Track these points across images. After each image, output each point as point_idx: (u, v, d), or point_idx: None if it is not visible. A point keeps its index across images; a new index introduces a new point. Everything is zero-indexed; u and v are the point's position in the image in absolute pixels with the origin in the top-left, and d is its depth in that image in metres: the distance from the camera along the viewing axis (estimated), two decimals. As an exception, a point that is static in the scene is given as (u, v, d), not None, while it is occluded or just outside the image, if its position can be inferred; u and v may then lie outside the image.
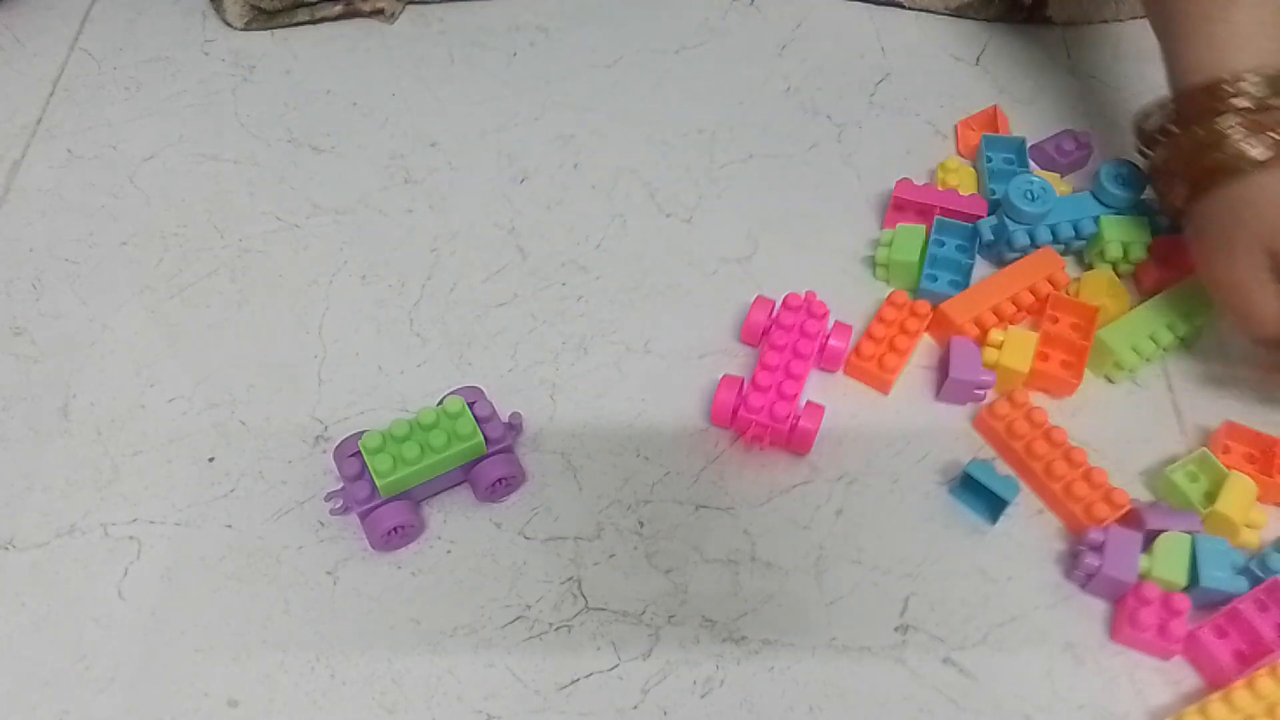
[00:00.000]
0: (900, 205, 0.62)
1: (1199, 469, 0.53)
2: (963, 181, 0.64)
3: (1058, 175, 0.65)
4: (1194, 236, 0.55)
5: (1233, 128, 0.52)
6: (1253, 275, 0.52)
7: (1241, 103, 0.52)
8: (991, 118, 0.68)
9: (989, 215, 0.61)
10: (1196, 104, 0.54)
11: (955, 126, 0.68)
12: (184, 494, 0.53)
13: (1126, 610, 0.49)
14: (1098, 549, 0.50)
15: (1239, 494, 0.51)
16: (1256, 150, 0.52)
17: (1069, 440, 0.54)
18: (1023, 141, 0.65)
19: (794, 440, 0.54)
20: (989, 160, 0.65)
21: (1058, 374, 0.56)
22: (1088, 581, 0.50)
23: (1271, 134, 0.52)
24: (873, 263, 0.62)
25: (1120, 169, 0.61)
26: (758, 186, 0.66)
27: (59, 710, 0.48)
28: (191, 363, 0.58)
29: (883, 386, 0.57)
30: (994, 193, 0.63)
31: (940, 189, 0.63)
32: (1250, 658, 0.48)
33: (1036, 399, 0.57)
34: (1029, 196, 0.59)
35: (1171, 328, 0.57)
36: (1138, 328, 0.57)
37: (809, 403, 0.54)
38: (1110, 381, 0.58)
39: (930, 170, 0.67)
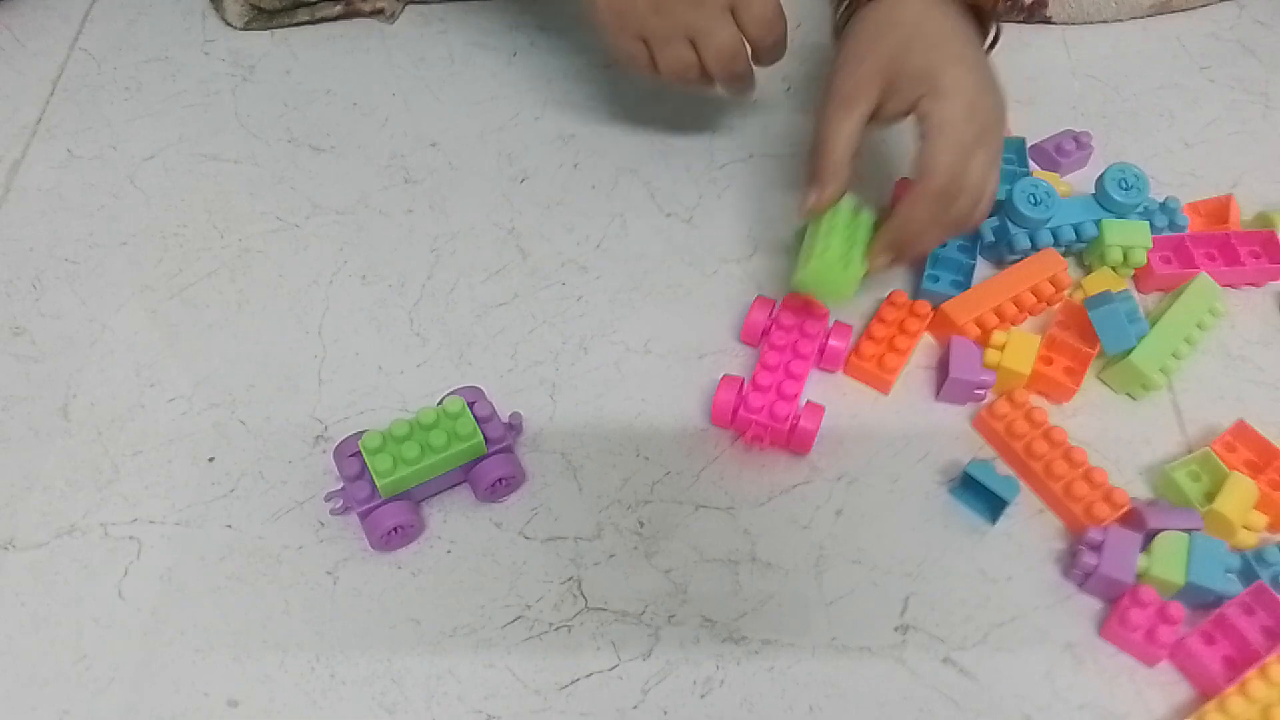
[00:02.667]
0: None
1: (1201, 468, 0.53)
2: None
3: (1057, 175, 0.65)
4: (836, 54, 0.56)
5: None
6: (857, 90, 0.52)
7: None
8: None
9: (990, 216, 0.61)
10: None
11: None
12: (184, 494, 0.53)
13: (1119, 609, 0.49)
14: (1096, 548, 0.50)
15: (1239, 495, 0.51)
16: None
17: (1069, 440, 0.54)
18: (1022, 141, 0.65)
19: (794, 440, 0.54)
20: None
21: (1059, 379, 0.56)
22: (1085, 580, 0.50)
23: None
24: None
25: (1123, 173, 0.61)
26: (758, 186, 0.66)
27: (59, 710, 0.48)
28: (191, 363, 0.58)
29: (883, 386, 0.57)
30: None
31: None
32: (1239, 663, 0.48)
33: (1036, 399, 0.57)
34: (1032, 200, 0.59)
35: (1189, 339, 0.57)
36: (1162, 347, 0.56)
37: (809, 403, 0.54)
38: (1131, 398, 0.57)
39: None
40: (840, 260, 0.52)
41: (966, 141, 0.50)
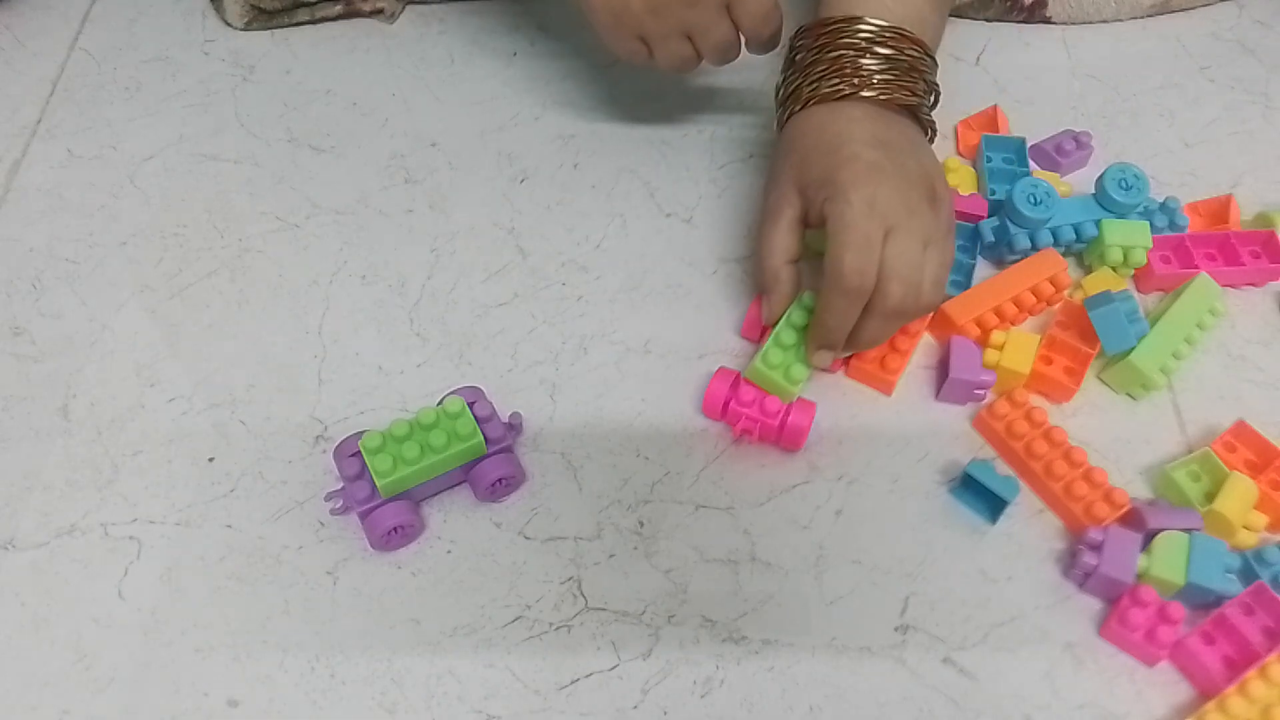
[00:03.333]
0: None
1: (1201, 468, 0.53)
2: (963, 181, 0.64)
3: (1057, 175, 0.65)
4: (771, 165, 0.59)
5: (834, 59, 0.55)
6: (781, 202, 0.55)
7: (852, 40, 0.55)
8: (991, 118, 0.68)
9: (989, 216, 0.61)
10: (822, 33, 0.56)
11: (955, 126, 0.68)
12: (184, 494, 0.53)
13: (1119, 609, 0.49)
14: (1096, 548, 0.50)
15: (1239, 495, 0.51)
16: (829, 85, 0.55)
17: (1069, 440, 0.54)
18: (1022, 141, 0.65)
19: (785, 436, 0.54)
20: (989, 160, 0.65)
21: (1059, 379, 0.56)
22: (1085, 580, 0.50)
23: (855, 76, 0.55)
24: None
25: (1124, 173, 0.60)
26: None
27: (59, 710, 0.48)
28: (191, 363, 0.58)
29: (885, 387, 0.57)
30: (994, 193, 0.63)
31: None
32: (1239, 663, 0.48)
33: (1036, 399, 0.57)
34: (1033, 201, 0.59)
35: (1189, 339, 0.57)
36: (1162, 347, 0.56)
37: (800, 399, 0.54)
38: (1131, 398, 0.57)
39: (930, 170, 0.67)
40: (778, 366, 0.53)
41: (870, 235, 0.50)
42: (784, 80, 0.58)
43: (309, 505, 0.53)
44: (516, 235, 0.64)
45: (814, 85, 0.55)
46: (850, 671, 0.49)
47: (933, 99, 0.58)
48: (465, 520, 0.53)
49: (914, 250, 0.51)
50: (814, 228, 0.54)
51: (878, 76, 0.55)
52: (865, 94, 0.54)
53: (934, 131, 0.59)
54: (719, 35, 0.58)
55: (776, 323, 0.55)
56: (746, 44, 0.60)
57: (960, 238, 0.61)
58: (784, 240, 0.54)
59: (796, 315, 0.55)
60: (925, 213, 0.52)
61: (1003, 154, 0.65)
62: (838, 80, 0.55)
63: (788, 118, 0.57)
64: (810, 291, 0.55)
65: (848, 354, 0.56)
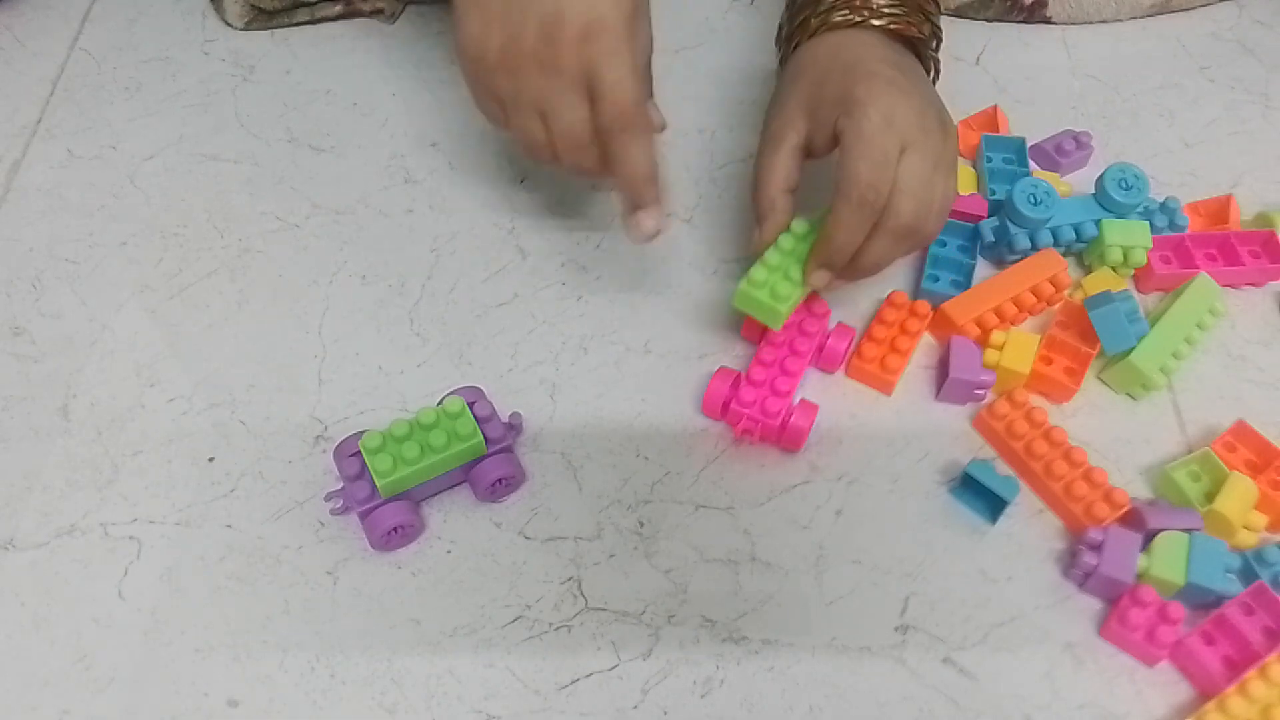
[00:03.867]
0: None
1: (1201, 468, 0.53)
2: (962, 181, 0.64)
3: (1057, 175, 0.65)
4: (776, 92, 0.56)
5: None
6: (785, 127, 0.53)
7: None
8: (991, 118, 0.68)
9: (989, 216, 0.61)
10: None
11: (955, 126, 0.68)
12: (184, 494, 0.53)
13: (1119, 609, 0.49)
14: (1096, 548, 0.50)
15: (1239, 494, 0.51)
16: (840, 15, 0.54)
17: (1069, 440, 0.54)
18: (1022, 141, 0.65)
19: (785, 437, 0.54)
20: (989, 160, 0.65)
21: (1059, 379, 0.56)
22: (1085, 580, 0.50)
23: (865, 8, 0.54)
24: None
25: (1123, 173, 0.60)
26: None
27: (59, 710, 0.48)
28: (191, 363, 0.58)
29: (885, 388, 0.57)
30: (994, 193, 0.63)
31: None
32: (1239, 664, 0.48)
33: (1036, 399, 0.57)
34: (1033, 200, 0.59)
35: (1189, 339, 0.57)
36: (1162, 347, 0.56)
37: (802, 400, 0.54)
38: (1131, 398, 0.57)
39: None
40: (764, 284, 0.53)
41: (887, 149, 0.49)
42: (789, 15, 0.57)
43: (309, 505, 0.53)
44: (516, 235, 0.64)
45: (823, 15, 0.55)
46: (850, 671, 0.49)
47: (935, 45, 0.58)
48: (465, 520, 0.53)
49: (927, 170, 0.50)
50: (816, 156, 0.54)
51: (886, 8, 0.54)
52: (875, 22, 0.54)
53: (937, 72, 0.58)
54: (569, 121, 0.50)
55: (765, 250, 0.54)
56: (603, 147, 0.52)
57: (960, 238, 0.61)
58: (784, 166, 0.53)
59: (785, 240, 0.54)
60: (939, 135, 0.51)
61: (1003, 154, 0.65)
62: (847, 10, 0.54)
63: (794, 49, 0.56)
64: (801, 218, 0.54)
65: (843, 280, 0.54)
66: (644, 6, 0.52)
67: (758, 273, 0.53)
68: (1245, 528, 0.51)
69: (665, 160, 0.66)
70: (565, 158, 0.53)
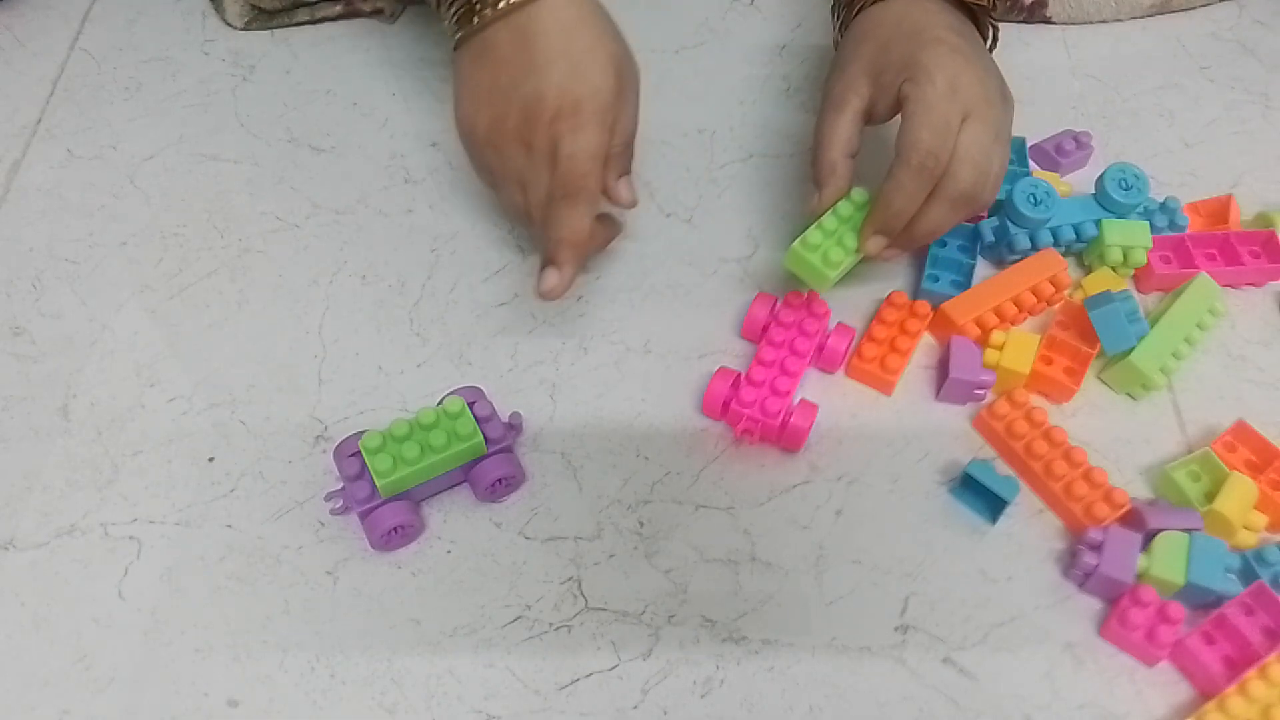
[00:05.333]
0: None
1: (1201, 468, 0.53)
2: None
3: (1057, 175, 0.65)
4: (838, 57, 0.57)
5: None
6: (847, 91, 0.54)
7: None
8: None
9: (990, 216, 0.61)
10: None
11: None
12: (184, 494, 0.53)
13: (1119, 609, 0.49)
14: (1096, 548, 0.50)
15: (1239, 494, 0.51)
16: None
17: (1069, 440, 0.54)
18: (1022, 141, 0.65)
19: (785, 437, 0.54)
20: None
21: (1059, 379, 0.56)
22: (1085, 580, 0.50)
23: None
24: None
25: (1123, 173, 0.60)
26: (758, 186, 0.66)
27: (59, 710, 0.48)
28: (191, 363, 0.58)
29: (885, 388, 0.57)
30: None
31: None
32: (1239, 663, 0.48)
33: (1036, 399, 0.57)
34: (1033, 200, 0.59)
35: (1189, 339, 0.57)
36: (1162, 347, 0.56)
37: (802, 400, 0.54)
38: (1131, 398, 0.57)
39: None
40: (817, 248, 0.53)
41: (949, 116, 0.50)
42: None
43: (309, 505, 0.53)
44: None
45: None
46: (850, 671, 0.49)
47: (995, 11, 0.58)
48: (465, 520, 0.53)
49: (988, 138, 0.51)
50: (876, 122, 0.54)
51: None
52: None
53: (995, 40, 0.58)
54: (542, 193, 0.53)
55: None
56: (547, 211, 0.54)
57: (960, 238, 0.61)
58: (846, 131, 0.54)
59: (843, 207, 0.54)
60: (1000, 105, 0.52)
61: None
62: None
63: (856, 13, 0.56)
64: (860, 187, 0.54)
65: (896, 250, 0.55)
66: (630, 91, 0.54)
67: (813, 235, 0.53)
68: (1245, 528, 0.51)
69: (666, 159, 0.67)
70: (540, 227, 0.55)
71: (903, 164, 0.51)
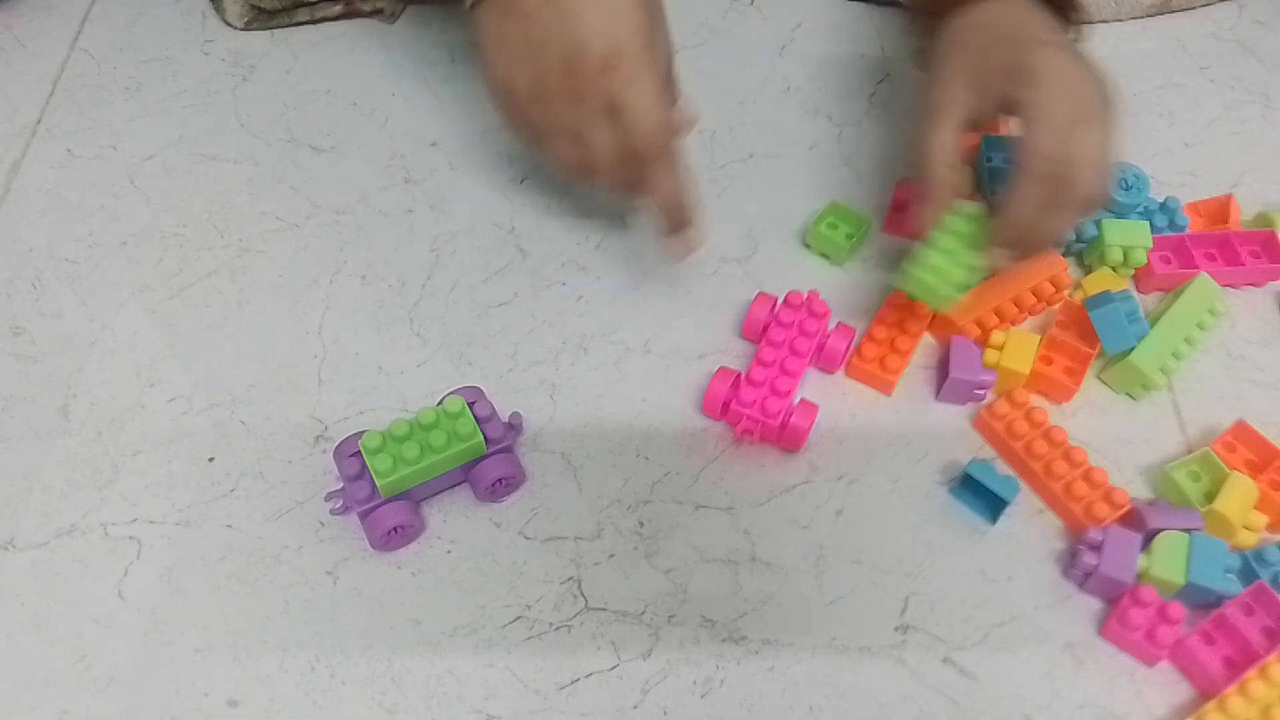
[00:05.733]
0: (901, 206, 0.62)
1: (1201, 468, 0.53)
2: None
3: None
4: (934, 66, 0.55)
5: None
6: (948, 102, 0.53)
7: None
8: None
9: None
10: None
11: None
12: (184, 494, 0.53)
13: (1119, 609, 0.49)
14: (1096, 548, 0.50)
15: (1239, 495, 0.51)
16: None
17: (1069, 440, 0.54)
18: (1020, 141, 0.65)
19: (785, 437, 0.54)
20: (989, 160, 0.65)
21: (1059, 379, 0.56)
22: (1085, 580, 0.50)
23: None
24: (862, 257, 0.63)
25: (1124, 173, 0.60)
26: (758, 186, 0.66)
27: (59, 710, 0.48)
28: (191, 363, 0.58)
29: (885, 388, 0.57)
30: (994, 193, 0.63)
31: None
32: (1239, 664, 0.48)
33: (1036, 399, 0.57)
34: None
35: (1189, 339, 0.57)
36: (1162, 347, 0.56)
37: (802, 400, 0.54)
38: (1131, 398, 0.57)
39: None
40: (936, 269, 0.52)
41: (1067, 122, 0.49)
42: None
43: (309, 505, 0.53)
44: (516, 235, 0.64)
45: None
46: (850, 671, 0.49)
47: (1080, 11, 0.57)
48: (465, 520, 0.53)
49: (1106, 141, 0.50)
50: (981, 129, 0.54)
51: None
52: None
53: (1079, 40, 0.56)
54: (601, 145, 0.52)
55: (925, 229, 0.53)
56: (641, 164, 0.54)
57: None
58: (950, 142, 0.53)
59: (957, 223, 0.53)
60: (1110, 105, 0.51)
61: (1003, 154, 0.65)
62: None
63: (948, 17, 0.55)
64: (968, 201, 0.53)
65: (1021, 258, 0.53)
66: (659, 20, 0.53)
67: (928, 256, 0.52)
68: (1245, 528, 0.51)
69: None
70: (605, 177, 0.54)
71: (1027, 173, 0.50)
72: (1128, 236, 0.60)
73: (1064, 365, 0.57)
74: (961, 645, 0.50)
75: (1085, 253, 0.62)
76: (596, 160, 0.53)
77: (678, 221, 0.56)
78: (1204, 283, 0.58)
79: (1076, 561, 0.50)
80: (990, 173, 0.64)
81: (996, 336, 0.57)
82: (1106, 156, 0.51)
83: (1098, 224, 0.60)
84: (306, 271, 0.62)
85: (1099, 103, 0.51)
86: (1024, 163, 0.50)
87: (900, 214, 0.63)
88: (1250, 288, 0.62)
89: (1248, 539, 0.51)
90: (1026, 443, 0.54)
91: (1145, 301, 0.61)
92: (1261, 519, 0.52)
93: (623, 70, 0.50)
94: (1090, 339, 0.57)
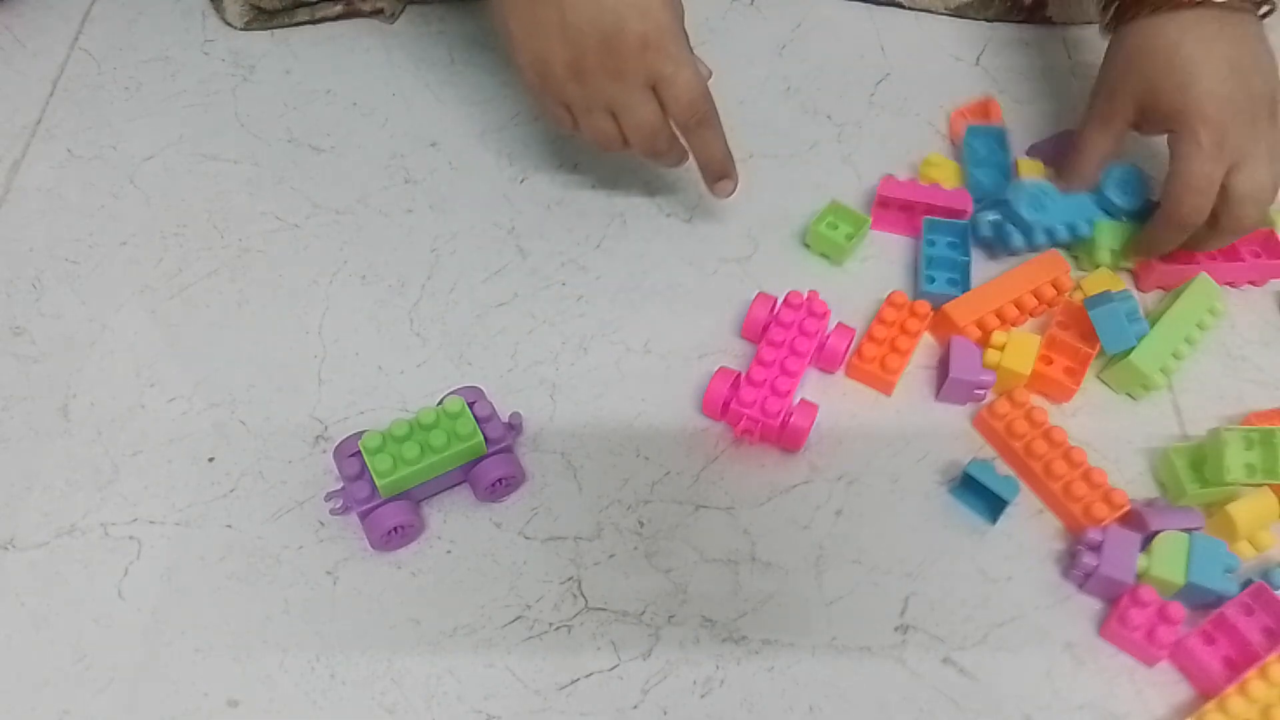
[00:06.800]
0: (884, 202, 0.63)
1: (1260, 438, 0.52)
2: (945, 176, 0.64)
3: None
4: (1101, 69, 0.60)
5: None
6: (1115, 113, 0.58)
7: None
8: (984, 106, 0.68)
9: (988, 211, 0.61)
10: None
11: (949, 114, 0.68)
12: (184, 494, 0.53)
13: (1119, 609, 0.49)
14: (1095, 549, 0.50)
15: (1258, 508, 0.51)
16: None
17: (1069, 440, 0.54)
18: (1003, 130, 0.65)
19: (785, 437, 0.54)
20: (973, 150, 0.65)
21: (1059, 379, 0.56)
22: (1085, 581, 0.50)
23: None
24: (861, 257, 0.63)
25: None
26: (758, 186, 0.66)
27: (59, 710, 0.48)
28: (191, 363, 0.58)
29: (885, 388, 0.57)
30: (980, 183, 0.63)
31: (924, 184, 0.63)
32: (1239, 664, 0.48)
33: (1037, 399, 0.57)
34: (1032, 201, 0.59)
35: (1189, 339, 0.57)
36: (1162, 347, 0.56)
37: (803, 400, 0.54)
38: (1131, 398, 0.57)
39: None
40: (1154, 356, 0.55)
41: (1213, 175, 0.54)
42: None
43: (309, 505, 0.53)
44: (516, 235, 0.64)
45: None
46: (850, 671, 0.49)
47: None
48: (465, 520, 0.53)
49: (1264, 174, 0.54)
50: (1144, 134, 0.59)
51: None
52: None
53: (1272, 8, 0.57)
54: (642, 116, 0.55)
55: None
56: (680, 133, 0.57)
57: (950, 235, 0.61)
58: (1107, 145, 0.59)
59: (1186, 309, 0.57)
60: (1270, 133, 0.54)
61: (985, 141, 0.65)
62: None
63: (1129, 20, 0.57)
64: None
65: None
66: None
67: (1154, 342, 0.56)
68: (1249, 541, 0.51)
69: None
70: (639, 146, 0.57)
71: (1165, 218, 0.56)
72: (1120, 239, 0.60)
73: (1064, 365, 0.57)
74: (961, 645, 0.50)
75: (1080, 253, 0.62)
76: (636, 131, 0.56)
77: (720, 173, 0.59)
78: (1204, 282, 0.58)
79: (1076, 562, 0.50)
80: (973, 161, 0.64)
81: (997, 337, 0.57)
82: (1265, 188, 0.54)
83: (1091, 224, 0.60)
84: (306, 271, 0.62)
85: (1253, 142, 0.54)
86: (1164, 207, 0.56)
87: (884, 210, 0.63)
88: (1250, 287, 0.62)
89: (1246, 550, 0.51)
90: (1026, 442, 0.54)
91: (1145, 300, 0.61)
92: (1271, 538, 0.51)
93: (662, 49, 0.53)
94: (1090, 339, 0.57)
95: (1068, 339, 0.57)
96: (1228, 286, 0.61)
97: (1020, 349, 0.56)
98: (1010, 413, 0.55)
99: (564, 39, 0.53)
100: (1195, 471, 0.52)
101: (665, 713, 0.48)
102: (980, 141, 0.65)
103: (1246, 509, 0.51)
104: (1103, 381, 0.58)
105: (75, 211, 0.64)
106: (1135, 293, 0.61)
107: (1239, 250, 0.61)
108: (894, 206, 0.63)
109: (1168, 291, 0.61)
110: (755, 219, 0.64)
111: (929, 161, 0.65)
